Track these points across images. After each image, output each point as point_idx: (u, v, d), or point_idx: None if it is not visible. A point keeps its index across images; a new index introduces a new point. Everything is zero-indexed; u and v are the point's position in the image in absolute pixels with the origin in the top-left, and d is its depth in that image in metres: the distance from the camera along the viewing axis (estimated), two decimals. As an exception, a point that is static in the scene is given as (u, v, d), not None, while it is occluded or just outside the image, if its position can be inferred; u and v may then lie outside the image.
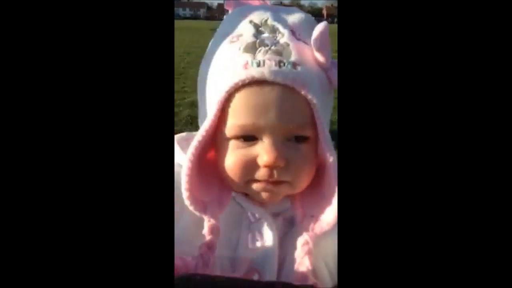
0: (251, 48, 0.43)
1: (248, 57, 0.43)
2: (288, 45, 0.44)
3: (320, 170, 0.46)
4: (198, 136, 0.44)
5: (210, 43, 0.52)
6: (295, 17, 0.48)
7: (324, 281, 0.42)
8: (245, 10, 0.49)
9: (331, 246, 0.41)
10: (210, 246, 0.43)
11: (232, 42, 0.46)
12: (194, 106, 4.25)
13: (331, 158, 0.44)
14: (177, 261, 0.43)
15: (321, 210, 0.44)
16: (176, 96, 4.83)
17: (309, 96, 0.42)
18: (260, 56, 0.42)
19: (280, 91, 0.41)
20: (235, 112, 0.42)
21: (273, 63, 0.41)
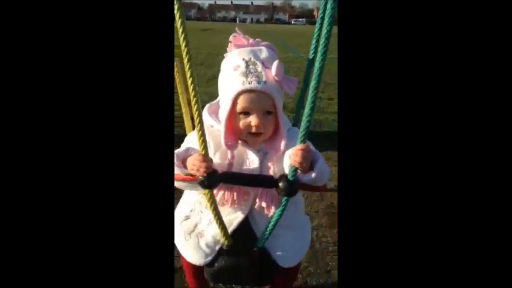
0: (245, 74, 0.95)
1: (244, 78, 0.95)
2: (261, 72, 0.95)
3: (276, 129, 1.01)
4: (225, 116, 0.96)
5: (222, 67, 1.03)
6: (264, 54, 0.99)
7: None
8: (239, 52, 1.00)
9: (284, 164, 0.96)
10: (231, 163, 0.99)
11: (234, 70, 0.97)
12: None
13: (281, 124, 0.99)
14: (217, 167, 0.95)
15: (277, 146, 1.00)
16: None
17: (271, 95, 0.95)
18: (249, 79, 0.94)
19: (259, 93, 0.95)
20: (240, 102, 0.95)
21: (255, 82, 0.94)
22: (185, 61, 0.84)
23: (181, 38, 0.81)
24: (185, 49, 0.83)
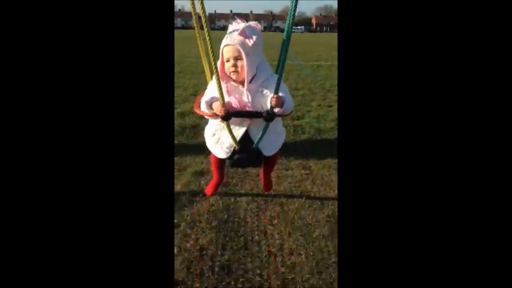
0: (226, 38, 1.54)
1: (225, 41, 1.55)
2: (235, 35, 1.52)
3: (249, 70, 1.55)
4: (218, 64, 1.53)
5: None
6: (249, 29, 1.55)
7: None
8: (233, 26, 1.56)
9: (267, 104, 1.55)
10: (231, 102, 1.60)
11: (227, 36, 1.55)
12: (184, 116, 4.22)
13: (246, 66, 1.54)
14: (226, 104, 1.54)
15: (255, 83, 1.60)
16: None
17: (238, 47, 1.51)
18: (227, 40, 1.54)
19: (231, 46, 1.54)
20: (224, 53, 1.56)
21: (229, 40, 1.53)
22: (206, 32, 1.35)
23: (201, 12, 1.30)
24: (205, 18, 1.33)
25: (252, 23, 1.58)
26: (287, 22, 1.36)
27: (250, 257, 1.83)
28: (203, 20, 1.32)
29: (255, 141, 1.68)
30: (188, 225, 2.08)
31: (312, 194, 2.48)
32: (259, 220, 2.16)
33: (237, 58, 1.52)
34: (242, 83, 1.58)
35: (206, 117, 1.68)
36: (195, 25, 1.80)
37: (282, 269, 1.75)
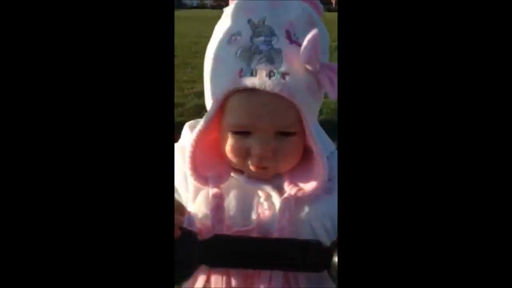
0: (247, 54, 0.50)
1: (243, 64, 0.50)
2: (280, 51, 0.50)
3: (308, 155, 0.56)
4: (200, 126, 0.54)
5: (212, 37, 0.58)
6: (292, 15, 0.52)
7: (323, 239, 0.53)
8: (246, 5, 0.53)
9: (326, 209, 0.54)
10: (217, 205, 0.53)
11: (230, 42, 0.52)
12: (202, 96, 4.25)
13: (317, 149, 0.53)
14: (198, 226, 0.53)
15: (308, 186, 0.55)
16: (184, 85, 4.83)
17: (295, 102, 0.50)
18: (254, 64, 0.49)
19: (270, 97, 0.49)
20: (232, 112, 0.52)
21: (264, 73, 0.49)
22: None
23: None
24: None
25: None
26: None
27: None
28: None
29: None
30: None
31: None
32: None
33: (287, 132, 0.54)
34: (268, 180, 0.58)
35: None
36: None
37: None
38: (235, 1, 0.56)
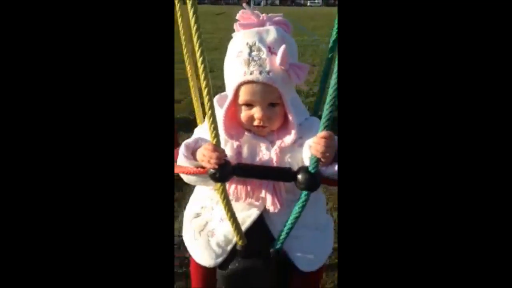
0: (247, 63, 0.87)
1: (245, 68, 0.87)
2: (265, 60, 0.87)
3: (286, 120, 0.93)
4: (226, 104, 0.91)
5: (227, 52, 0.94)
6: (271, 37, 0.88)
7: (294, 169, 0.90)
8: (244, 34, 0.91)
9: (298, 155, 0.92)
10: (238, 152, 0.94)
11: (237, 56, 0.89)
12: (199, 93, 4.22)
13: (291, 116, 0.90)
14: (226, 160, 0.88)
15: (287, 138, 0.92)
16: (183, 83, 4.79)
17: (276, 86, 0.87)
18: (251, 68, 0.86)
19: (262, 85, 0.87)
20: (242, 94, 0.89)
21: (258, 72, 0.86)
22: (197, 46, 0.77)
23: (192, 22, 0.74)
24: (197, 33, 0.75)
25: (279, 21, 0.92)
26: (332, 37, 0.93)
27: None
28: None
29: (278, 236, 0.90)
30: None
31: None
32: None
33: (274, 103, 0.89)
34: (265, 136, 0.95)
35: (185, 179, 0.93)
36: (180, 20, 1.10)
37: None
38: (239, 32, 0.93)
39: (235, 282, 0.92)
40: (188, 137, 0.99)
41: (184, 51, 1.17)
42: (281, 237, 0.88)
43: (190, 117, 3.39)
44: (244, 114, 0.90)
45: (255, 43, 0.86)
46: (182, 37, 1.13)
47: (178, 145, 0.95)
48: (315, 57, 7.05)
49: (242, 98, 0.88)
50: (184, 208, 1.08)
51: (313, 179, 0.81)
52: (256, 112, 0.89)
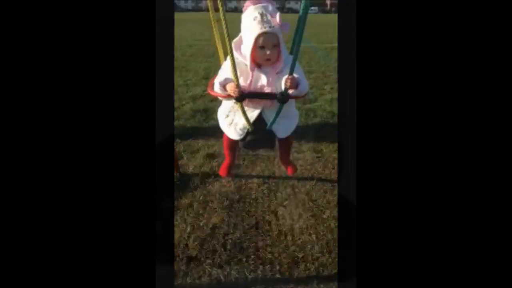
0: (260, 22, 1.47)
1: (261, 25, 1.46)
2: (270, 20, 1.47)
3: (279, 56, 1.55)
4: (250, 47, 1.50)
5: (243, 19, 1.54)
6: (270, 8, 1.50)
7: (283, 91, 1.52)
8: (255, 7, 1.50)
9: (282, 84, 1.51)
10: (251, 81, 1.59)
11: (254, 20, 1.48)
12: (196, 99, 4.24)
13: (281, 53, 1.54)
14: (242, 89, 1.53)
15: (278, 68, 1.57)
16: (179, 89, 4.82)
17: (277, 34, 1.49)
18: (264, 25, 1.46)
19: (270, 34, 1.48)
20: (258, 41, 1.48)
21: (268, 27, 1.46)
22: (220, 7, 1.27)
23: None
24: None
25: (270, 1, 1.55)
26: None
27: (261, 235, 1.89)
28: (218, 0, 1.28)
29: (269, 123, 1.70)
30: (201, 205, 2.14)
31: (323, 177, 2.50)
32: (271, 201, 2.20)
33: (275, 45, 1.50)
34: (267, 68, 1.58)
35: (220, 98, 1.68)
36: (209, 5, 1.76)
37: (293, 248, 1.80)
38: (251, 7, 1.51)
39: (248, 146, 1.85)
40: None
41: (211, 15, 1.75)
42: (270, 123, 1.69)
43: (186, 124, 3.40)
44: (260, 53, 1.51)
45: (263, 12, 1.49)
46: (212, 20, 1.72)
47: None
48: (312, 63, 7.12)
49: (259, 43, 1.49)
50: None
51: (285, 98, 1.53)
52: (267, 50, 1.50)
